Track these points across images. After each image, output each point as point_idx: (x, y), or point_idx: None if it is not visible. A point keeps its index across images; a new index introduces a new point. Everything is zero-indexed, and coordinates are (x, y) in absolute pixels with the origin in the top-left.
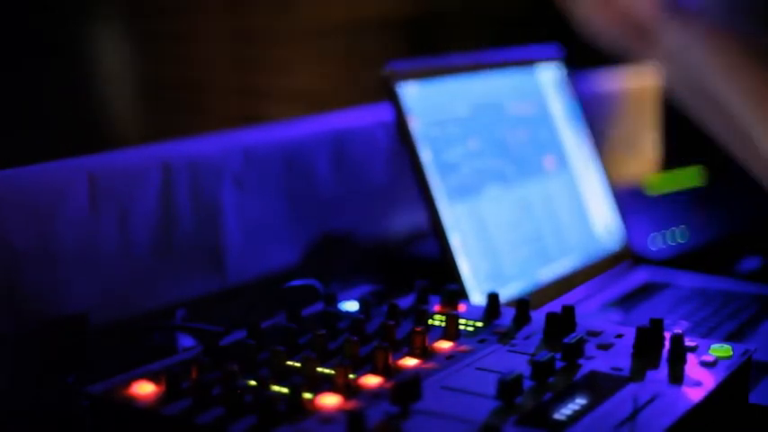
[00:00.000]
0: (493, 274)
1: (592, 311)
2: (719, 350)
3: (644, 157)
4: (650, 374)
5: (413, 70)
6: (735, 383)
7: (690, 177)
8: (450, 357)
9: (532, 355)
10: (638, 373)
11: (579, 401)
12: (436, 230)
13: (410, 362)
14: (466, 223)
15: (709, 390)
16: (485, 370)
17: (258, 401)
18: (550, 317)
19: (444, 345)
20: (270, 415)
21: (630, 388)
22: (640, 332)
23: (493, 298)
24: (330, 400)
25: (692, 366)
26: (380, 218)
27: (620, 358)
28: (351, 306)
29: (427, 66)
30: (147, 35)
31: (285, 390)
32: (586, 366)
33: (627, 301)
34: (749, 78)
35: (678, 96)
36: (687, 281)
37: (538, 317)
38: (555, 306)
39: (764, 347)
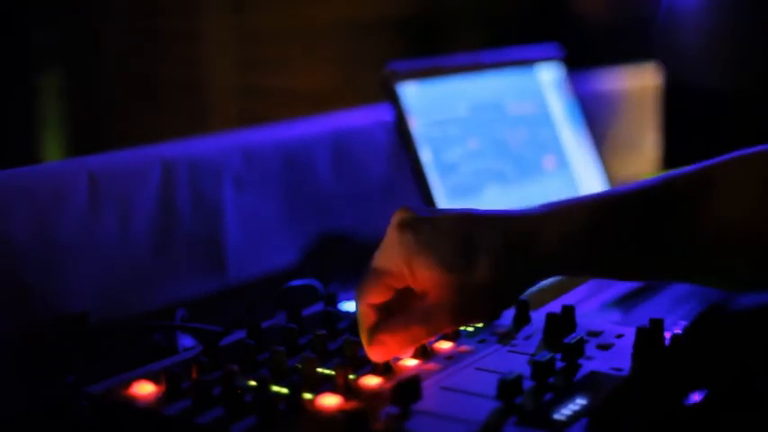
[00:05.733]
0: None
1: (592, 311)
2: None
3: (644, 157)
4: None
5: (413, 70)
6: None
7: None
8: (450, 357)
9: (532, 355)
10: None
11: (579, 401)
12: None
13: (410, 362)
14: None
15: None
16: (485, 370)
17: (258, 401)
18: (550, 317)
19: (444, 345)
20: (270, 415)
21: None
22: (640, 332)
23: None
24: (330, 400)
25: None
26: (380, 218)
27: (620, 358)
28: (351, 306)
29: (427, 66)
30: (147, 35)
31: (285, 390)
32: (586, 366)
33: (627, 301)
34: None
35: None
36: None
37: (538, 317)
38: (555, 306)
39: None
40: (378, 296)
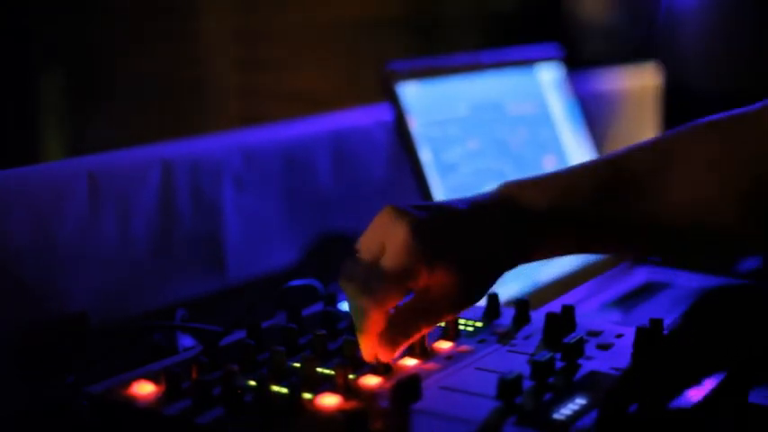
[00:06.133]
0: None
1: (592, 311)
2: None
3: None
4: None
5: (413, 70)
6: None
7: None
8: (450, 357)
9: (532, 355)
10: None
11: (579, 401)
12: None
13: (410, 362)
14: None
15: (708, 389)
16: (485, 370)
17: (258, 401)
18: (550, 317)
19: (444, 345)
20: (270, 415)
21: None
22: (640, 332)
23: (492, 298)
24: (330, 400)
25: None
26: None
27: (620, 358)
28: None
29: (427, 66)
30: (147, 35)
31: (285, 390)
32: (586, 366)
33: (627, 301)
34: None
35: None
36: (687, 280)
37: (538, 317)
38: (555, 306)
39: None
40: (396, 300)
